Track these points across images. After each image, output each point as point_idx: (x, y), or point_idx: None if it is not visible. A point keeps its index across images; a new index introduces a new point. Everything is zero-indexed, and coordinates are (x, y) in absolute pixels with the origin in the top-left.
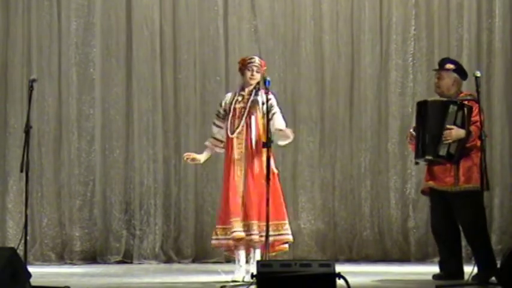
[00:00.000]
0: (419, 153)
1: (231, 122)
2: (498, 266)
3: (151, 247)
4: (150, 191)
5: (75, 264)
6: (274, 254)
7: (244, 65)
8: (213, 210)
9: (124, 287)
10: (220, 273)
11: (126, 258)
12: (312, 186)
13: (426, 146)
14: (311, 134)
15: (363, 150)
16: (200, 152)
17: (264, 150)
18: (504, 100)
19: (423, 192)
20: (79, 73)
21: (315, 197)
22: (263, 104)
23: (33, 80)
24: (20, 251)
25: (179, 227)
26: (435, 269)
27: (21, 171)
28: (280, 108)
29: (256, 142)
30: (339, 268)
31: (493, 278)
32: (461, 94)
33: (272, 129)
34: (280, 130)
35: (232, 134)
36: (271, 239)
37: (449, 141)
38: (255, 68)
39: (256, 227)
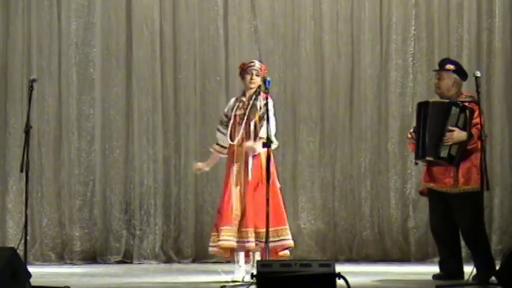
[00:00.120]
0: (420, 154)
1: (231, 129)
2: (497, 266)
3: (151, 247)
4: (150, 191)
5: (75, 264)
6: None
7: (244, 69)
8: (213, 210)
9: (124, 287)
10: (220, 273)
11: (126, 258)
12: (312, 186)
13: (427, 147)
14: (311, 134)
15: (363, 150)
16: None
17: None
18: (504, 100)
19: (421, 193)
20: (79, 73)
21: (315, 197)
22: (261, 108)
23: (33, 80)
24: (20, 251)
25: (179, 227)
26: (435, 269)
27: (21, 171)
28: (274, 116)
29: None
30: (339, 268)
31: (493, 278)
32: (462, 95)
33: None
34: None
35: (232, 141)
36: (271, 245)
37: (451, 143)
38: (254, 72)
39: (252, 234)
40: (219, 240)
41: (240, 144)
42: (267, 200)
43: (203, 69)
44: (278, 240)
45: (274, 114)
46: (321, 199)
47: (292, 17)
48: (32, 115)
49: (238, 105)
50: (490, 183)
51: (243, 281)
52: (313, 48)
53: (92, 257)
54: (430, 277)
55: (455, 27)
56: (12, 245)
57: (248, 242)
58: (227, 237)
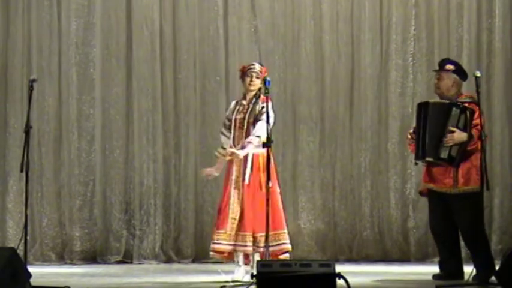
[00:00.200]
0: (420, 155)
1: (232, 133)
2: (497, 266)
3: (151, 247)
4: (150, 191)
5: (75, 264)
6: None
7: (244, 72)
8: (213, 210)
9: (124, 287)
10: (220, 273)
11: (126, 258)
12: (312, 186)
13: (427, 148)
14: (311, 134)
15: (363, 150)
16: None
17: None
18: (504, 100)
19: (421, 193)
20: (79, 73)
21: (315, 197)
22: (259, 112)
23: (33, 80)
24: (20, 251)
25: (179, 227)
26: (435, 269)
27: (21, 171)
28: (273, 118)
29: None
30: (339, 268)
31: (493, 278)
32: (462, 96)
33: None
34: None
35: (235, 146)
36: (270, 249)
37: (451, 143)
38: (254, 74)
39: (250, 238)
40: (213, 244)
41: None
42: (267, 200)
43: (203, 69)
44: (277, 245)
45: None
46: (321, 199)
47: (292, 17)
48: (32, 115)
49: (238, 109)
50: (490, 183)
51: (242, 281)
52: (313, 48)
53: (92, 257)
54: (430, 277)
55: (455, 27)
56: (12, 245)
57: (246, 246)
58: (221, 240)
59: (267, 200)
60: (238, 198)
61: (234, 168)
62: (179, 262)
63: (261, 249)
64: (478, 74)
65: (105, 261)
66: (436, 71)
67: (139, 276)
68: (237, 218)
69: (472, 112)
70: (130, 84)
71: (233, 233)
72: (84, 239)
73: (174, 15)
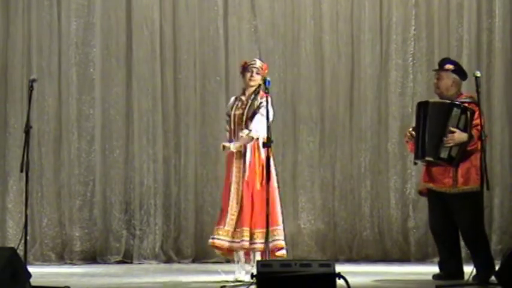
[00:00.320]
0: (419, 154)
1: (231, 129)
2: (496, 266)
3: (151, 247)
4: (150, 191)
5: (75, 264)
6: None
7: (244, 67)
8: (213, 210)
9: (124, 287)
10: (220, 273)
11: (126, 258)
12: (312, 186)
13: (426, 147)
14: (311, 134)
15: (363, 150)
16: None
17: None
18: (504, 100)
19: (421, 193)
20: (79, 73)
21: (315, 197)
22: (257, 107)
23: (33, 80)
24: (20, 251)
25: (179, 227)
26: (435, 269)
27: (21, 171)
28: (272, 114)
29: (253, 149)
30: (339, 268)
31: (493, 278)
32: (462, 96)
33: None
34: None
35: (232, 141)
36: (258, 246)
37: (451, 144)
38: (254, 70)
39: (247, 233)
40: (212, 238)
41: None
42: (267, 200)
43: (203, 69)
44: (272, 241)
45: (273, 113)
46: (321, 199)
47: (292, 17)
48: (32, 115)
49: (237, 105)
50: (490, 183)
51: (242, 280)
52: (313, 48)
53: (92, 257)
54: (430, 277)
55: (455, 27)
56: (12, 245)
57: (243, 241)
58: (219, 236)
59: (267, 200)
60: (238, 195)
61: (234, 165)
62: (179, 262)
63: (258, 245)
64: (478, 74)
65: (105, 261)
66: (436, 71)
67: (139, 276)
68: (236, 214)
69: (472, 112)
70: (130, 84)
71: (231, 229)
72: (84, 239)
73: (174, 15)
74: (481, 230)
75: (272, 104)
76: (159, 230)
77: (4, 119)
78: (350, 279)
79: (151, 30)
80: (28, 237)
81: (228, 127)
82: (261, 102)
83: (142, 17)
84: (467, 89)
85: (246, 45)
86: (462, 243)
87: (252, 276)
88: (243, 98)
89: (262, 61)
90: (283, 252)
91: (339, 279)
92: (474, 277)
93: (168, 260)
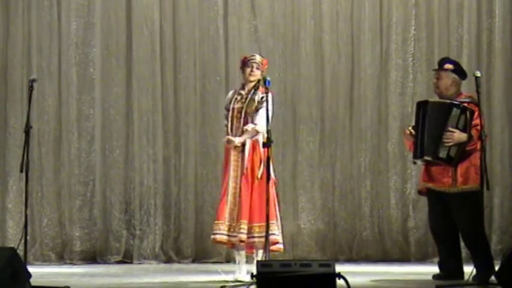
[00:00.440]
0: (418, 154)
1: (230, 122)
2: (496, 266)
3: (151, 247)
4: (150, 191)
5: (75, 264)
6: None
7: (244, 62)
8: (213, 210)
9: (124, 287)
10: (220, 273)
11: (126, 258)
12: (312, 186)
13: (425, 147)
14: (311, 134)
15: (363, 150)
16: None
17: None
18: (504, 100)
19: (420, 192)
20: (79, 73)
21: (315, 197)
22: (258, 102)
23: (33, 80)
24: (20, 251)
25: (179, 227)
26: (435, 269)
27: (21, 171)
28: (272, 111)
29: (253, 143)
30: (339, 268)
31: (493, 278)
32: (461, 96)
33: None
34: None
35: (231, 135)
36: (256, 240)
37: (451, 144)
38: (254, 65)
39: (245, 226)
40: (212, 234)
41: None
42: (267, 200)
43: (203, 69)
44: (263, 236)
45: (273, 110)
46: (321, 199)
47: (292, 17)
48: (32, 115)
49: (236, 98)
50: (490, 183)
51: (241, 280)
52: (313, 48)
53: (92, 257)
54: (430, 277)
55: (455, 27)
56: (12, 245)
57: (240, 233)
58: (221, 230)
59: (267, 200)
60: (236, 189)
61: (232, 159)
62: (179, 262)
63: (256, 239)
64: (478, 74)
65: (105, 261)
66: (435, 71)
67: (139, 276)
68: (234, 208)
69: (472, 112)
70: (130, 84)
71: (229, 223)
72: (84, 239)
73: (174, 15)
74: (481, 229)
75: (273, 103)
76: (159, 230)
77: (4, 119)
78: (350, 279)
79: (151, 30)
80: (28, 237)
81: (226, 121)
82: (262, 97)
83: (142, 17)
84: (467, 89)
85: (246, 45)
86: (462, 243)
87: (252, 276)
88: (243, 92)
89: (262, 56)
90: (279, 246)
91: (339, 279)
92: (474, 277)
93: (168, 260)
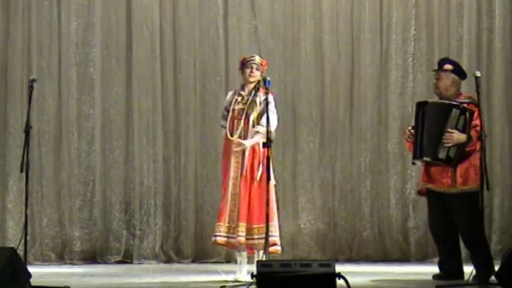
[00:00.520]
0: (417, 154)
1: (230, 123)
2: (496, 266)
3: (151, 247)
4: (150, 191)
5: (75, 264)
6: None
7: (244, 63)
8: (213, 210)
9: (124, 287)
10: (220, 273)
11: (126, 258)
12: (312, 186)
13: (425, 148)
14: (311, 134)
15: (363, 150)
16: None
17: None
18: (504, 100)
19: (420, 192)
20: (79, 73)
21: (315, 197)
22: (260, 104)
23: (33, 80)
24: (20, 251)
25: (179, 227)
26: (435, 269)
27: (21, 171)
28: (277, 111)
29: (253, 146)
30: (339, 268)
31: (493, 278)
32: (461, 96)
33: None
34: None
35: (232, 136)
36: (256, 242)
37: (450, 144)
38: (254, 66)
39: (243, 228)
40: (214, 236)
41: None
42: (267, 200)
43: (203, 69)
44: (262, 238)
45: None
46: (321, 199)
47: (292, 17)
48: (32, 115)
49: (237, 99)
50: (490, 183)
51: (241, 280)
52: (313, 48)
53: (92, 257)
54: (430, 277)
55: (455, 27)
56: (12, 245)
57: (238, 236)
58: (220, 232)
59: (267, 200)
60: (236, 190)
61: (232, 160)
62: (179, 262)
63: (255, 241)
64: (478, 74)
65: (105, 261)
66: (435, 71)
67: (139, 276)
68: (234, 210)
69: (471, 113)
70: (130, 84)
71: (229, 225)
72: (84, 239)
73: (174, 15)
74: (480, 230)
75: (276, 105)
76: (159, 230)
77: (4, 119)
78: (350, 279)
79: (151, 30)
80: (28, 237)
81: (224, 122)
82: (265, 98)
83: (142, 17)
84: (467, 89)
85: (246, 45)
86: (462, 243)
87: (252, 276)
88: (243, 93)
89: (261, 57)
90: (277, 248)
91: (339, 279)
92: (474, 277)
93: (168, 260)
